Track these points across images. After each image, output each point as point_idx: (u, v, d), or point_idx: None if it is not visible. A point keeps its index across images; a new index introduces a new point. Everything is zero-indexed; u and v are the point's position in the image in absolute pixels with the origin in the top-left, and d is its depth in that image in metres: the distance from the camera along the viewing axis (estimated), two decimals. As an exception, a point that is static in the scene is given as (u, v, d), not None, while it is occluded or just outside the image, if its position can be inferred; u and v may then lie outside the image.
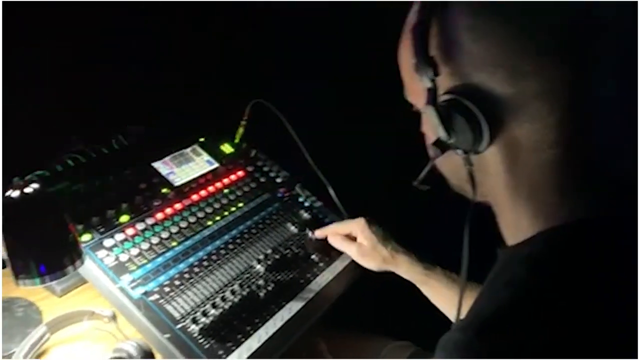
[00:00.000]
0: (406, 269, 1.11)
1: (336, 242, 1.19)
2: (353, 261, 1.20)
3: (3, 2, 0.95)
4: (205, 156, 1.33)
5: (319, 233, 1.21)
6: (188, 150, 1.32)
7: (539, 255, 0.59)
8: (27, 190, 0.84)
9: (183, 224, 1.13)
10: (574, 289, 0.55)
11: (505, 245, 0.68)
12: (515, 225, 0.64)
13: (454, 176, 0.70)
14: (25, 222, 0.85)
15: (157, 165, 1.24)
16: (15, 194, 0.83)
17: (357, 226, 1.17)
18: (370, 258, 1.14)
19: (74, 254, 0.89)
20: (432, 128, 0.63)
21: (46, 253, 0.86)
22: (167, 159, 1.27)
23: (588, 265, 0.56)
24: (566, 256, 0.58)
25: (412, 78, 0.65)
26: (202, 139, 1.36)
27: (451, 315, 1.07)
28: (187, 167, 1.27)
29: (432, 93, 0.60)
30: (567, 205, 0.60)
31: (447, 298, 1.07)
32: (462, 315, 0.70)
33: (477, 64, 0.58)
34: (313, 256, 1.18)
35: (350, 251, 1.17)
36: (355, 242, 1.17)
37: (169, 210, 1.14)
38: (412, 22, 0.62)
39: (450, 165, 0.69)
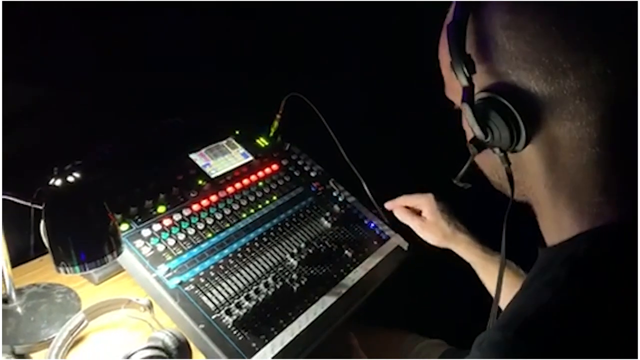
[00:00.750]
0: (464, 248, 1.12)
1: (401, 214, 1.22)
2: (386, 257, 1.19)
3: (3, 2, 0.96)
4: (241, 149, 1.33)
5: (388, 205, 1.24)
6: (223, 142, 1.33)
7: (581, 255, 0.58)
8: (70, 178, 0.86)
9: (218, 216, 1.14)
10: (616, 290, 0.54)
11: (545, 245, 0.66)
12: (556, 225, 0.63)
13: (494, 174, 0.69)
14: (67, 210, 0.87)
15: (194, 157, 1.26)
16: (58, 182, 0.85)
17: (425, 200, 1.19)
18: (431, 232, 1.16)
19: (114, 243, 0.90)
20: (469, 126, 0.63)
21: (87, 241, 0.88)
22: (202, 151, 1.28)
23: (630, 266, 0.55)
24: (609, 257, 0.57)
25: (450, 76, 0.64)
26: (237, 132, 1.37)
27: (501, 303, 1.06)
28: (223, 159, 1.28)
29: (468, 91, 0.60)
30: (610, 205, 0.59)
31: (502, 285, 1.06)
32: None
33: (514, 62, 0.57)
34: (346, 252, 1.17)
35: (413, 224, 1.19)
36: (419, 215, 1.19)
37: (204, 202, 1.15)
38: (449, 20, 0.61)
39: (489, 163, 0.68)
